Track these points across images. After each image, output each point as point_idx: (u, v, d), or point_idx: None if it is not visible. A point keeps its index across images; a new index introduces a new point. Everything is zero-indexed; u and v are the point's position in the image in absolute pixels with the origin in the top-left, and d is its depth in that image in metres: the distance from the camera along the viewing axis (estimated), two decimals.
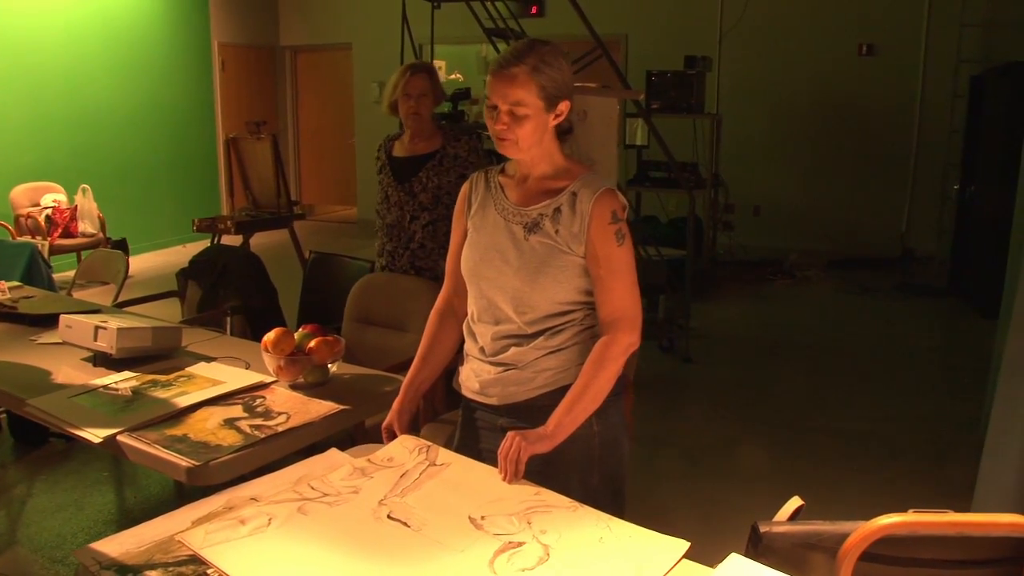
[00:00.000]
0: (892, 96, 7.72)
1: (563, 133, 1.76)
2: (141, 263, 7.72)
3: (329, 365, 2.23)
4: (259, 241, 6.73)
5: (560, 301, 1.72)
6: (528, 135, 1.69)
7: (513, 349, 1.74)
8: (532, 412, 1.72)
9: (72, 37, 7.63)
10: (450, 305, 1.93)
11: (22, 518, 3.17)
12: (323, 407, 2.04)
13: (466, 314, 1.88)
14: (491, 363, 1.77)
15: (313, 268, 3.81)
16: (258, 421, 1.95)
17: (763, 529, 1.40)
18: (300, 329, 2.31)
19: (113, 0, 8.00)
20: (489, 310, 1.78)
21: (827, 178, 8.05)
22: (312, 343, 2.21)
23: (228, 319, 3.46)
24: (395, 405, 1.88)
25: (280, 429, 1.90)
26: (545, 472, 1.63)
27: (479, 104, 6.84)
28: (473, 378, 1.82)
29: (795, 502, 1.55)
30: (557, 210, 1.71)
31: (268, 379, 2.21)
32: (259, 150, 5.94)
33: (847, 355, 5.32)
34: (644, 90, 6.46)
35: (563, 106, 1.72)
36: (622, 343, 1.69)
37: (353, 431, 2.53)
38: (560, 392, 1.71)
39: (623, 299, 1.70)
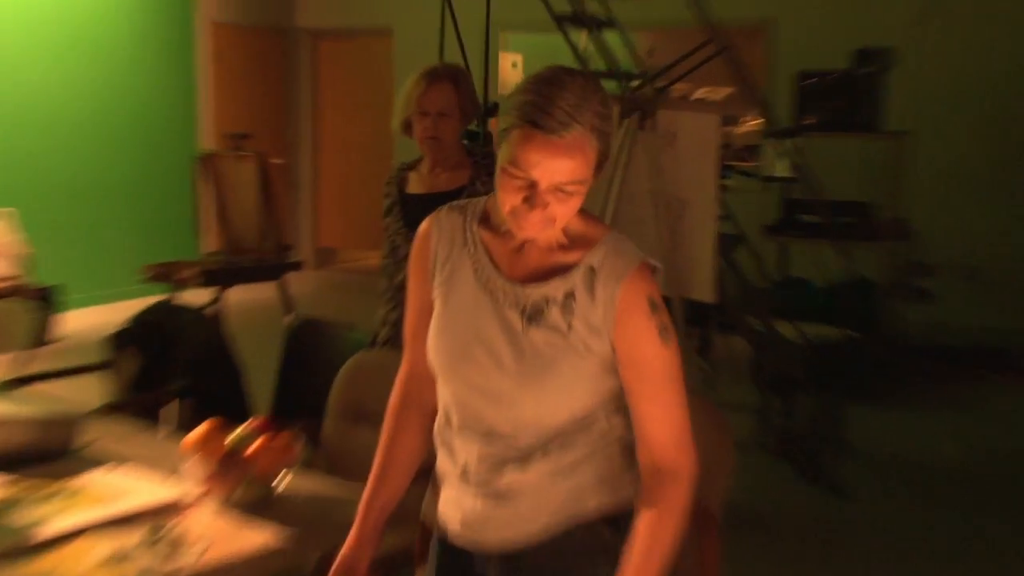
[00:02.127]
0: None
1: None
2: (83, 320, 7.92)
3: (280, 476, 2.28)
4: (239, 297, 6.86)
5: (574, 414, 1.77)
6: (569, 213, 1.72)
7: (511, 475, 1.78)
8: (537, 560, 1.78)
9: None
10: (410, 392, 1.99)
11: None
12: (259, 537, 2.09)
13: (432, 403, 1.92)
14: (480, 493, 1.80)
15: (294, 339, 3.86)
16: (159, 556, 2.00)
17: None
18: (247, 424, 2.36)
19: None
20: (473, 421, 1.81)
21: None
22: (254, 445, 2.26)
23: (171, 405, 3.57)
24: (350, 539, 1.94)
25: (185, 572, 1.94)
26: None
27: None
28: (454, 511, 1.85)
29: None
30: (569, 295, 1.74)
31: (193, 494, 2.26)
32: (242, 172, 6.15)
33: None
34: (794, 97, 6.46)
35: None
36: (685, 478, 1.75)
37: (317, 570, 2.55)
38: (575, 531, 1.77)
39: (675, 416, 1.76)
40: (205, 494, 2.27)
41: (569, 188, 1.67)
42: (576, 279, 1.74)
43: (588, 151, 1.66)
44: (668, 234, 3.81)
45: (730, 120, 8.65)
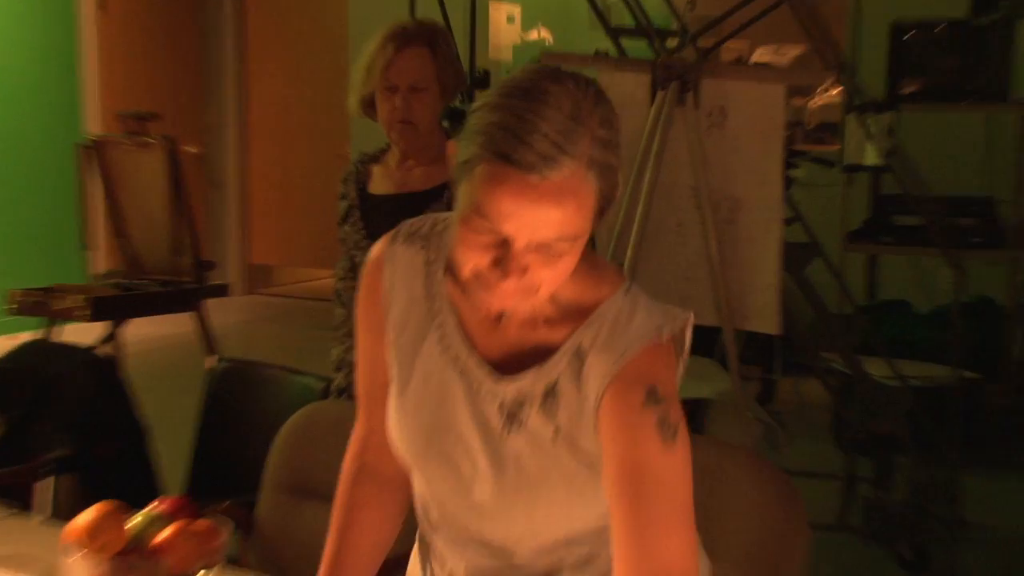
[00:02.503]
0: None
1: None
2: None
3: (199, 575, 2.29)
4: (142, 334, 6.97)
5: (582, 528, 1.80)
6: (558, 278, 1.65)
7: None
8: None
9: None
10: (368, 462, 2.04)
11: None
12: None
13: (399, 475, 1.96)
14: None
15: (218, 388, 3.89)
16: None
17: None
18: (152, 505, 2.35)
19: None
20: (455, 526, 1.86)
21: None
22: (163, 534, 2.25)
23: (46, 482, 3.57)
24: None
25: None
26: None
27: None
28: None
29: None
30: (550, 391, 1.73)
31: None
32: (144, 166, 6.14)
33: None
34: (889, 58, 6.46)
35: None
36: None
37: None
38: None
39: (674, 553, 1.63)
40: None
41: (558, 247, 1.59)
42: (561, 367, 1.72)
43: (583, 194, 1.57)
44: (716, 244, 3.79)
45: (801, 90, 8.64)
